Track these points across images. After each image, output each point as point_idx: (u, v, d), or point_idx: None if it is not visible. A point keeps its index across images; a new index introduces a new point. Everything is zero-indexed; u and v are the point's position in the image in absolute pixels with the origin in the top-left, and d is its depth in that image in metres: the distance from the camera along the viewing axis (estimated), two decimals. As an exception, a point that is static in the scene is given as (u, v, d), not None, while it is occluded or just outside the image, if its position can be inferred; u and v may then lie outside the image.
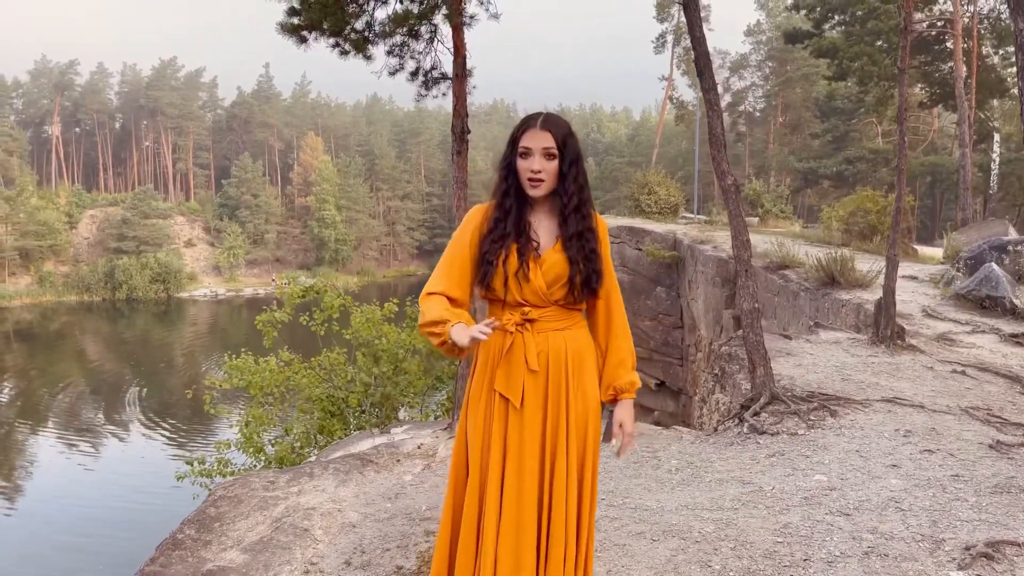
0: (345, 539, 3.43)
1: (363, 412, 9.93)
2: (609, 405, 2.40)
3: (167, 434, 25.33)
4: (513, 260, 2.22)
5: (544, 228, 2.29)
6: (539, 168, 2.20)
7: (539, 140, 2.20)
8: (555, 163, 2.22)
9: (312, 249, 67.77)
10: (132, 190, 68.76)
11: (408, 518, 3.63)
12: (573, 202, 2.24)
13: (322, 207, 65.96)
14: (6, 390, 32.17)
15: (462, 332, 2.09)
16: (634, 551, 3.18)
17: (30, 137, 72.90)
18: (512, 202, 2.27)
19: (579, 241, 2.25)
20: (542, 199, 2.29)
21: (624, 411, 2.35)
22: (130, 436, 25.56)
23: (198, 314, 54.01)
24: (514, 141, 2.25)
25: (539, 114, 2.27)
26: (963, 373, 6.13)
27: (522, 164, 2.23)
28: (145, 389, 31.50)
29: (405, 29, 6.23)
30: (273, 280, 56.13)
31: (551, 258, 2.24)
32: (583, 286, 2.26)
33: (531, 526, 2.23)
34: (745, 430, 4.80)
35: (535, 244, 2.26)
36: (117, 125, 79.93)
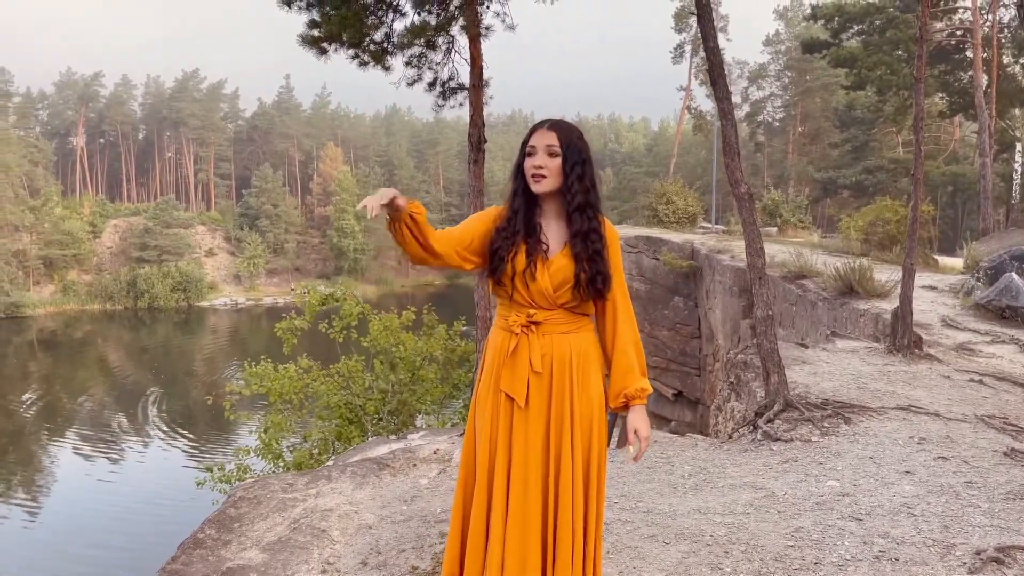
0: (361, 540, 3.49)
1: (380, 419, 10.01)
2: (620, 412, 2.41)
3: (187, 441, 25.57)
4: (521, 258, 2.28)
5: (554, 232, 2.34)
6: (540, 164, 2.28)
7: (543, 139, 2.30)
8: (558, 161, 2.28)
9: (331, 259, 68.15)
10: (154, 200, 69.59)
11: (423, 520, 3.69)
12: (576, 200, 2.30)
13: (341, 217, 66.31)
14: (30, 397, 32.60)
15: (376, 194, 2.24)
16: (646, 553, 3.21)
17: (55, 148, 74.02)
18: (520, 202, 2.34)
19: (584, 241, 2.29)
20: (551, 202, 2.35)
21: (638, 417, 2.36)
22: (151, 443, 25.83)
23: (218, 323, 54.50)
24: (523, 144, 2.34)
25: (549, 119, 2.35)
26: (980, 382, 6.10)
27: (527, 162, 2.32)
28: (166, 396, 31.82)
29: (423, 40, 6.33)
30: (292, 289, 56.56)
31: (559, 262, 2.29)
32: (588, 285, 2.29)
33: (536, 526, 2.27)
34: (759, 437, 4.82)
35: (544, 247, 2.31)
36: (140, 136, 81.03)
